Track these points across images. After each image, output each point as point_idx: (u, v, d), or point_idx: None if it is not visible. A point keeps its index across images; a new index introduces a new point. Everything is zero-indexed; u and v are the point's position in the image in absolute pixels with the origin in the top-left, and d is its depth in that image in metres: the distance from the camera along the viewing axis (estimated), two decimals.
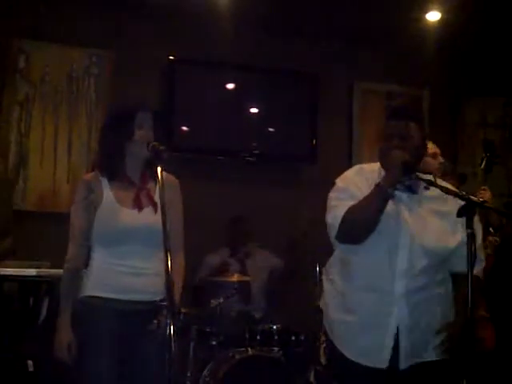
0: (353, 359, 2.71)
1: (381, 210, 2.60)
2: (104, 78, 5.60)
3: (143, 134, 2.87)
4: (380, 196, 2.59)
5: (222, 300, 4.56)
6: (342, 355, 2.74)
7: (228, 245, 5.57)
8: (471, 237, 2.39)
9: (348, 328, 2.74)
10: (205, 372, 4.42)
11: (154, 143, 2.77)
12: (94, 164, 3.04)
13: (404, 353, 2.65)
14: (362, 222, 2.65)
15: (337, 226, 2.68)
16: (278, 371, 4.40)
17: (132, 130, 2.88)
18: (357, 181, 2.77)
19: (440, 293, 2.74)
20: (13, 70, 5.39)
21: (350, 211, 2.65)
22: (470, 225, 2.39)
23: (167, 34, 5.62)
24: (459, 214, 2.40)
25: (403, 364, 2.66)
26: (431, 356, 2.71)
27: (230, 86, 6.01)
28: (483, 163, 4.19)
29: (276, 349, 4.53)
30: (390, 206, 2.65)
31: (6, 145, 5.34)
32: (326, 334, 2.92)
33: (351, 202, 2.67)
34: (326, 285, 2.90)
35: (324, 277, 2.94)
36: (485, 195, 4.03)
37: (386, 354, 2.65)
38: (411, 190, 2.71)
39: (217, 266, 5.33)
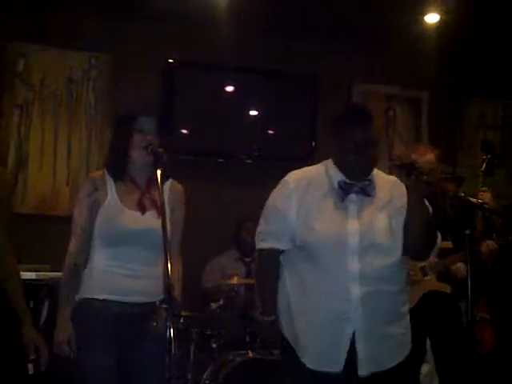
0: (310, 366, 2.67)
1: None
2: (103, 81, 5.60)
3: (142, 138, 2.87)
4: None
5: (221, 303, 4.56)
6: (301, 364, 2.69)
7: (236, 247, 5.56)
8: (469, 238, 2.40)
9: (304, 333, 2.70)
10: (205, 375, 4.41)
11: (153, 146, 2.79)
12: (104, 163, 3.04)
13: (362, 358, 2.61)
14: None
15: (256, 247, 2.89)
16: (278, 374, 4.39)
17: (131, 136, 2.90)
18: (294, 192, 2.79)
19: (395, 292, 2.71)
20: (12, 74, 5.39)
21: (260, 261, 2.89)
22: (468, 226, 2.40)
23: (166, 36, 5.61)
24: (459, 213, 2.41)
25: (362, 371, 2.62)
26: (391, 363, 2.68)
27: (230, 88, 6.01)
28: (483, 165, 4.18)
29: (277, 351, 4.52)
30: (339, 208, 2.67)
31: (6, 148, 5.34)
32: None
33: (275, 227, 2.80)
34: (284, 290, 2.84)
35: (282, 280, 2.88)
36: (485, 196, 4.02)
37: (342, 357, 2.61)
38: (364, 192, 2.71)
39: (224, 268, 5.32)
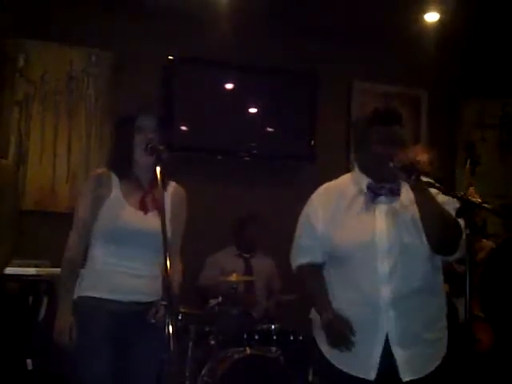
0: (342, 368, 2.68)
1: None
2: (103, 77, 5.60)
3: (142, 138, 2.87)
4: None
5: (220, 299, 4.57)
6: (332, 366, 2.71)
7: (236, 244, 5.56)
8: (469, 238, 2.40)
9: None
10: (203, 371, 4.43)
11: (153, 144, 2.79)
12: (107, 165, 3.05)
13: (402, 363, 2.60)
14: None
15: (293, 265, 2.89)
16: (276, 371, 4.41)
17: (132, 136, 2.91)
18: (320, 205, 2.81)
19: (428, 293, 2.70)
20: (12, 70, 5.37)
21: (302, 277, 2.87)
22: (468, 225, 2.40)
23: (166, 33, 5.61)
24: (458, 214, 2.41)
25: (405, 376, 2.60)
26: (429, 368, 2.67)
27: (229, 85, 6.01)
28: (467, 165, 4.22)
29: (274, 348, 4.54)
30: (367, 212, 2.69)
31: (6, 144, 5.33)
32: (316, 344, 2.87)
33: (308, 242, 2.82)
34: None
35: None
36: (473, 195, 4.05)
37: (374, 364, 2.60)
38: (393, 192, 2.72)
39: (223, 265, 5.33)
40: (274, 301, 5.38)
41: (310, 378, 4.59)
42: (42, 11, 5.33)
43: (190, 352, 4.48)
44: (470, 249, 2.41)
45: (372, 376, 2.61)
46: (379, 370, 2.60)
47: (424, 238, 2.62)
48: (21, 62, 5.38)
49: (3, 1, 5.17)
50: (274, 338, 4.60)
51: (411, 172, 2.55)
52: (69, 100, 5.51)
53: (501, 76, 6.22)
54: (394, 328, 2.60)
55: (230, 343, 4.53)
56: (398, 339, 2.60)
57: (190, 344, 4.48)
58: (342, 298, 2.70)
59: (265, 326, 4.69)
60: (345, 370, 2.67)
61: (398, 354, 2.60)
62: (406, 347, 2.61)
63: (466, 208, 2.39)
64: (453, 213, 2.46)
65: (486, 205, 2.44)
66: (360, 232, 2.68)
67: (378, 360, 2.60)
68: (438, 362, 2.69)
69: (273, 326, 4.66)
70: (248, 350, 4.44)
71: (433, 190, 2.57)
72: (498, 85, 6.26)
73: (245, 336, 4.53)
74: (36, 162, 5.40)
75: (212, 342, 4.50)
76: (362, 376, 2.63)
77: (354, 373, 2.64)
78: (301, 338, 4.66)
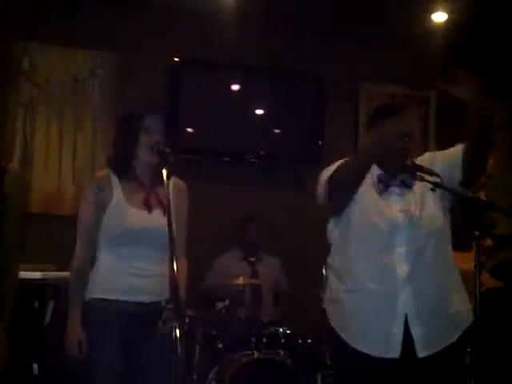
0: (365, 351, 2.65)
1: (365, 167, 2.65)
2: (108, 79, 5.59)
3: (149, 138, 2.85)
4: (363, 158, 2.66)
5: (227, 303, 4.54)
6: (353, 350, 2.68)
7: (240, 246, 5.53)
8: (478, 239, 2.37)
9: (355, 320, 2.70)
10: (210, 375, 4.41)
11: (159, 146, 2.77)
12: (107, 161, 3.02)
13: (419, 340, 2.60)
14: (348, 176, 2.69)
15: (324, 185, 2.75)
16: (284, 375, 4.38)
17: (138, 135, 2.88)
18: None
19: (445, 277, 2.71)
20: (17, 72, 5.37)
21: (336, 169, 2.73)
22: (477, 227, 2.37)
23: (172, 35, 5.59)
24: (466, 214, 2.38)
25: (421, 352, 2.60)
26: (444, 343, 2.66)
27: (235, 87, 5.98)
28: None
29: (282, 352, 4.50)
30: (383, 199, 2.69)
31: (11, 147, 5.33)
32: (331, 333, 2.84)
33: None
34: (331, 279, 2.86)
35: (328, 270, 2.91)
36: (479, 195, 4.05)
37: (397, 342, 2.60)
38: (405, 184, 2.72)
39: (228, 268, 5.30)
40: (282, 308, 5.35)
41: (319, 381, 4.55)
42: (46, 13, 5.31)
43: (197, 356, 4.46)
44: (479, 249, 2.38)
45: (396, 354, 2.60)
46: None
47: (439, 220, 2.65)
48: (26, 65, 5.38)
49: (8, 3, 5.16)
50: (282, 341, 4.57)
51: (418, 170, 2.56)
52: (74, 102, 5.50)
53: (509, 76, 6.18)
54: (411, 305, 2.61)
55: (238, 347, 4.50)
56: (415, 316, 2.61)
57: (197, 348, 4.47)
58: (361, 275, 2.69)
59: (272, 330, 4.65)
60: (364, 351, 2.65)
61: (416, 331, 2.61)
62: (424, 324, 2.61)
63: (475, 208, 2.36)
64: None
65: (494, 205, 2.42)
66: (378, 213, 2.68)
67: (400, 338, 2.60)
68: (456, 335, 2.68)
69: (281, 330, 4.62)
70: (256, 354, 4.42)
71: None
72: (508, 85, 6.22)
73: (252, 339, 4.49)
74: (41, 164, 5.40)
75: (219, 346, 4.48)
76: (385, 356, 2.62)
77: (376, 354, 2.63)
78: (309, 341, 4.62)
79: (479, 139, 2.60)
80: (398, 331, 2.61)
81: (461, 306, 2.73)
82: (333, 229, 2.84)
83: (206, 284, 5.26)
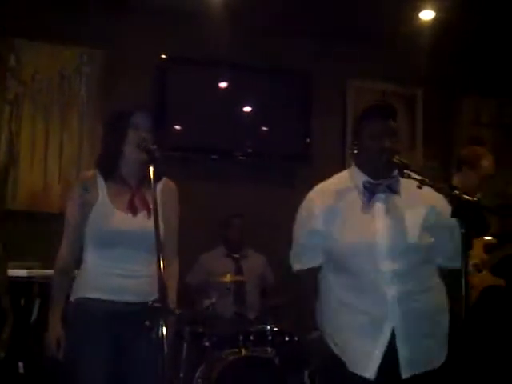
0: (344, 360, 2.67)
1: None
2: (95, 77, 5.55)
3: (137, 135, 2.84)
4: None
5: (214, 300, 4.53)
6: (339, 360, 2.69)
7: (224, 243, 5.52)
8: (465, 237, 2.36)
9: (341, 332, 2.70)
10: (198, 373, 4.41)
11: (147, 143, 2.76)
12: (95, 160, 3.01)
13: (404, 359, 2.59)
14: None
15: (293, 268, 2.87)
16: (271, 372, 4.38)
17: (126, 132, 2.86)
18: (318, 204, 2.77)
19: (431, 289, 2.70)
20: (3, 69, 5.34)
21: (303, 297, 2.91)
22: (463, 225, 2.36)
23: (159, 32, 5.58)
24: (454, 213, 2.37)
25: (405, 372, 2.59)
26: (433, 364, 2.66)
27: (223, 84, 5.97)
28: None
29: (270, 349, 4.50)
30: (367, 210, 2.67)
31: None
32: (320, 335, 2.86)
33: (307, 242, 2.79)
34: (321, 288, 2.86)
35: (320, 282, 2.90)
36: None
37: (375, 362, 2.59)
38: (391, 189, 2.70)
39: (212, 265, 5.29)
40: (268, 305, 5.34)
41: (305, 379, 4.55)
42: (32, 10, 5.29)
43: (184, 354, 4.44)
44: (465, 248, 2.37)
45: (372, 375, 2.59)
46: (381, 367, 2.59)
47: (425, 237, 2.63)
48: (11, 62, 5.34)
49: None
50: (269, 338, 4.56)
51: (404, 168, 2.55)
52: (60, 100, 5.47)
53: (497, 75, 6.20)
54: (399, 325, 2.59)
55: (225, 344, 4.49)
56: (404, 336, 2.59)
57: (185, 345, 4.45)
58: (346, 301, 2.68)
59: (260, 327, 4.65)
60: (347, 365, 2.66)
61: (403, 350, 2.59)
62: (410, 344, 2.59)
63: (462, 207, 2.36)
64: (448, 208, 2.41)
65: (481, 203, 2.41)
66: (360, 232, 2.65)
67: (379, 361, 2.59)
68: (441, 360, 2.68)
69: (268, 327, 4.62)
70: (243, 352, 4.41)
71: (425, 188, 2.53)
72: (495, 83, 6.24)
73: (240, 337, 4.48)
74: (27, 162, 5.36)
75: (206, 344, 4.47)
76: (360, 374, 2.62)
77: (352, 369, 2.64)
78: (296, 338, 4.62)
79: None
80: (378, 351, 2.60)
81: (446, 330, 2.73)
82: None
83: (188, 280, 5.20)
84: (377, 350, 2.60)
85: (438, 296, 2.75)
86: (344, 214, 2.70)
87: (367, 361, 2.60)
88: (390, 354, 2.59)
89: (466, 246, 2.36)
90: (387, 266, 2.60)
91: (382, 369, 2.60)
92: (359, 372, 2.62)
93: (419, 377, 2.61)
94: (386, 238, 2.63)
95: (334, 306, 2.74)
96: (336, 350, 2.71)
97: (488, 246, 4.11)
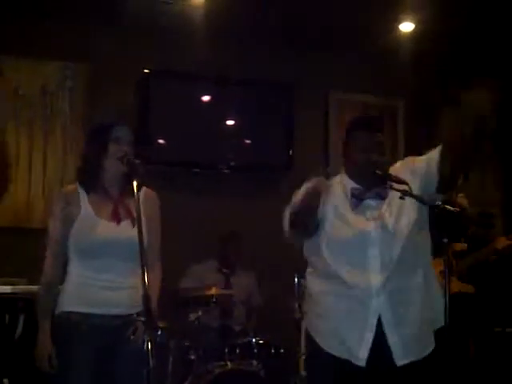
0: (334, 353, 2.70)
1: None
2: (78, 91, 5.56)
3: (118, 148, 2.85)
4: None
5: (200, 313, 4.53)
6: (326, 355, 2.72)
7: (218, 258, 5.50)
8: (447, 246, 2.40)
9: (329, 322, 2.74)
10: None
11: (129, 157, 2.77)
12: (76, 173, 3.02)
13: (396, 348, 2.63)
14: (302, 203, 2.69)
15: (287, 214, 2.78)
16: None
17: (106, 145, 2.87)
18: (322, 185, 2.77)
19: (419, 282, 2.73)
20: None
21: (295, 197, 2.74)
22: (445, 234, 2.39)
23: (142, 46, 5.59)
24: (437, 225, 2.41)
25: (399, 359, 2.63)
26: (426, 350, 2.70)
27: (206, 98, 5.99)
28: None
29: (255, 362, 4.50)
30: (357, 212, 2.73)
31: None
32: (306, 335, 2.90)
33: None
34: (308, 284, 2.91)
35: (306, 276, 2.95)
36: (462, 202, 4.10)
37: (365, 347, 2.63)
38: (380, 196, 2.75)
39: (202, 277, 5.27)
40: (255, 320, 5.34)
41: None
42: (14, 25, 5.28)
43: (170, 367, 4.43)
44: (448, 256, 2.41)
45: (362, 363, 2.63)
46: (373, 354, 2.63)
47: (413, 232, 2.68)
48: None
49: None
50: (255, 351, 4.57)
51: (387, 180, 2.62)
52: (44, 114, 5.46)
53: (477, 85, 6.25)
54: (386, 310, 2.64)
55: (211, 357, 4.49)
56: (391, 321, 2.63)
57: (171, 359, 4.44)
58: (330, 287, 2.74)
59: (245, 340, 4.65)
60: (336, 355, 2.69)
61: (392, 337, 2.63)
62: (399, 330, 2.63)
63: (444, 217, 2.39)
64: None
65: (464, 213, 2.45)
66: (346, 226, 2.72)
67: (369, 346, 2.63)
68: (430, 348, 2.72)
69: (253, 340, 4.62)
70: (229, 365, 4.40)
71: (407, 199, 2.58)
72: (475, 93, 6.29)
73: (226, 350, 4.48)
74: (11, 177, 5.33)
75: (192, 357, 4.46)
76: (353, 361, 2.65)
77: (345, 356, 2.67)
78: (282, 351, 4.62)
79: (467, 141, 2.64)
80: (367, 337, 2.63)
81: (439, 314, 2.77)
82: (307, 246, 2.88)
83: (179, 291, 5.17)
84: (366, 333, 2.64)
85: (427, 282, 2.77)
86: (336, 209, 2.77)
87: (358, 345, 2.64)
88: (381, 341, 2.63)
89: (447, 255, 2.40)
90: (375, 257, 2.67)
91: (374, 356, 2.64)
92: (349, 357, 2.65)
93: (411, 367, 2.64)
94: (374, 228, 2.69)
95: (318, 289, 2.80)
96: (319, 341, 2.76)
97: (456, 253, 4.16)
